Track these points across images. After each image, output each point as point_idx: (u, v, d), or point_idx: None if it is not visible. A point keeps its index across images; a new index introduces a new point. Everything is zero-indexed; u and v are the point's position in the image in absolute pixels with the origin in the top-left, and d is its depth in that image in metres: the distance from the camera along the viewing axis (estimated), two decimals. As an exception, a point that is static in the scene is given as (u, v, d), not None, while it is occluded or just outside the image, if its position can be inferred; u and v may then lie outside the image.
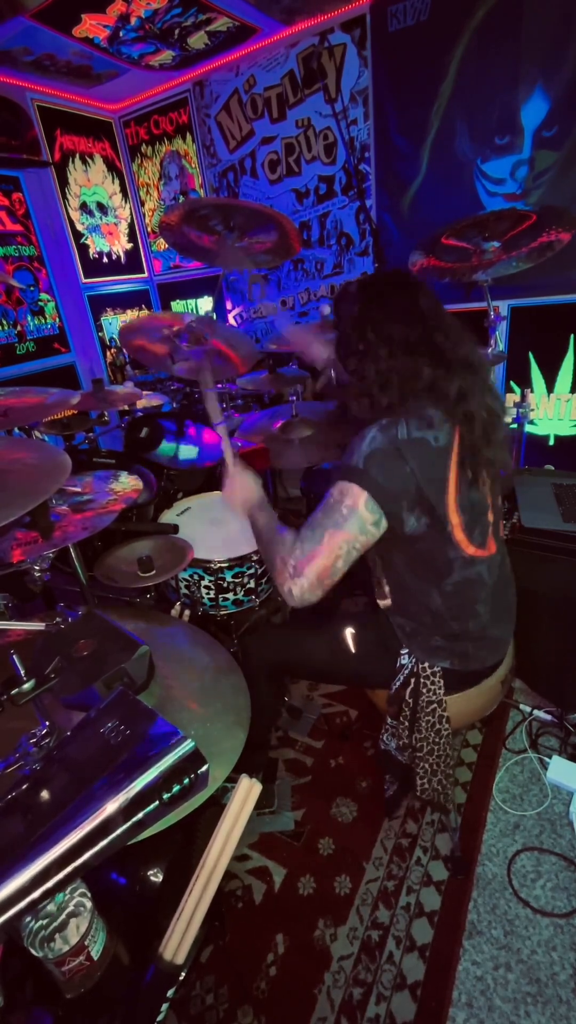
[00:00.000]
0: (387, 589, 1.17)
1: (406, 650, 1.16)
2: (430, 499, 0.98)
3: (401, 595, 1.14)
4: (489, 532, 1.08)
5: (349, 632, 1.24)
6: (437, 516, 1.00)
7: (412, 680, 1.15)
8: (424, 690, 1.14)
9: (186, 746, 0.55)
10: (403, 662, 1.17)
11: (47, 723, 0.70)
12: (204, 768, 0.57)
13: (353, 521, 0.97)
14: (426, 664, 1.13)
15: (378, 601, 1.21)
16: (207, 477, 2.11)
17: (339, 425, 1.14)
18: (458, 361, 1.02)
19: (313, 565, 0.98)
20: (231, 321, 3.64)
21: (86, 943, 0.62)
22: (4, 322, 3.04)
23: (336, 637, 1.24)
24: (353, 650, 1.23)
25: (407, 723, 1.18)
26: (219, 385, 1.60)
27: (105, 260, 3.59)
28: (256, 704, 0.97)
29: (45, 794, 0.53)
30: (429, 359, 1.00)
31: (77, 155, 3.32)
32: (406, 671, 1.16)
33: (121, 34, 2.53)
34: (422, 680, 1.14)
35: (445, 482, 0.99)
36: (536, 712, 1.72)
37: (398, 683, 1.17)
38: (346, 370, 1.08)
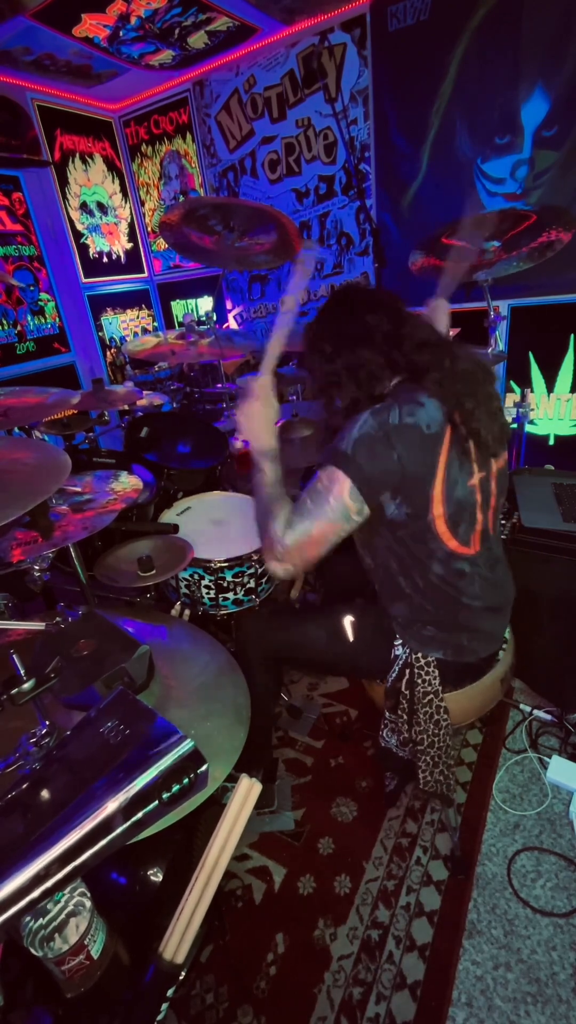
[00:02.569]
0: (374, 575, 1.18)
1: (400, 640, 1.17)
2: (414, 486, 0.99)
3: (387, 581, 1.15)
4: (476, 530, 1.08)
5: (348, 620, 1.24)
6: (418, 504, 1.00)
7: (407, 671, 1.15)
8: (420, 681, 1.14)
9: (186, 746, 0.55)
10: (397, 652, 1.17)
11: (47, 723, 0.70)
12: (204, 768, 0.57)
13: (338, 511, 0.99)
14: (419, 654, 1.14)
15: (372, 585, 1.22)
16: (207, 477, 2.11)
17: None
18: (414, 341, 1.05)
19: (301, 554, 1.03)
20: (231, 321, 3.64)
21: (86, 942, 0.62)
22: (4, 322, 3.04)
23: (335, 625, 1.25)
24: (351, 639, 1.23)
25: (405, 716, 1.18)
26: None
27: (105, 260, 3.59)
28: (253, 695, 0.97)
29: (45, 794, 0.53)
30: (371, 347, 1.04)
31: (77, 155, 3.32)
32: (400, 661, 1.16)
33: (121, 34, 2.54)
34: (416, 670, 1.14)
35: (433, 469, 0.99)
36: (536, 712, 1.72)
37: (393, 674, 1.18)
38: (319, 395, 1.15)
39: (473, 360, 1.08)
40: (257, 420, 1.13)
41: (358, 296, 1.12)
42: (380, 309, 1.07)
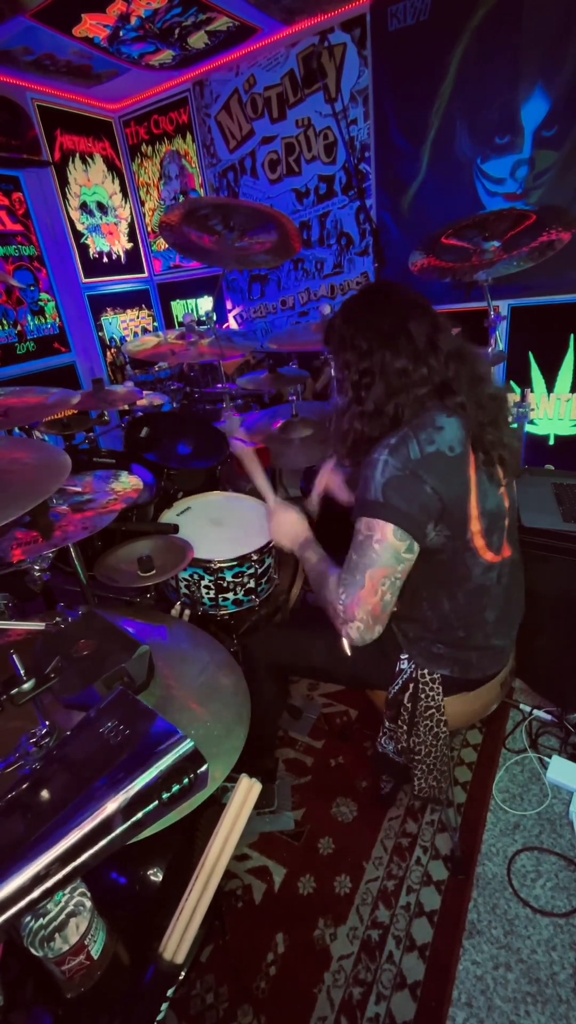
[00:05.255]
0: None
1: (406, 655, 1.16)
2: (453, 512, 0.97)
3: (411, 604, 1.13)
4: (504, 536, 1.07)
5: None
6: (458, 527, 0.99)
7: (411, 685, 1.15)
8: (423, 696, 1.14)
9: (186, 746, 0.55)
10: (403, 667, 1.16)
11: (47, 723, 0.70)
12: (204, 768, 0.57)
13: (387, 555, 0.97)
14: (425, 671, 1.13)
15: None
16: (207, 477, 2.11)
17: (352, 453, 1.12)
18: (445, 352, 1.01)
19: (362, 607, 0.99)
20: (231, 321, 3.64)
21: (86, 942, 0.62)
22: (4, 322, 3.04)
23: (334, 639, 1.24)
24: (349, 653, 1.23)
25: (405, 727, 1.18)
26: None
27: (105, 260, 3.59)
28: (259, 704, 0.97)
29: (45, 794, 0.53)
30: (409, 352, 0.99)
31: (77, 155, 3.32)
32: (405, 676, 1.15)
33: (121, 34, 2.53)
34: (421, 686, 1.13)
35: (467, 491, 0.98)
36: (536, 712, 1.72)
37: (397, 687, 1.17)
38: (339, 394, 1.09)
39: (492, 380, 1.07)
40: (285, 529, 1.25)
41: (399, 296, 1.05)
42: (423, 315, 1.02)
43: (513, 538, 1.12)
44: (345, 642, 1.22)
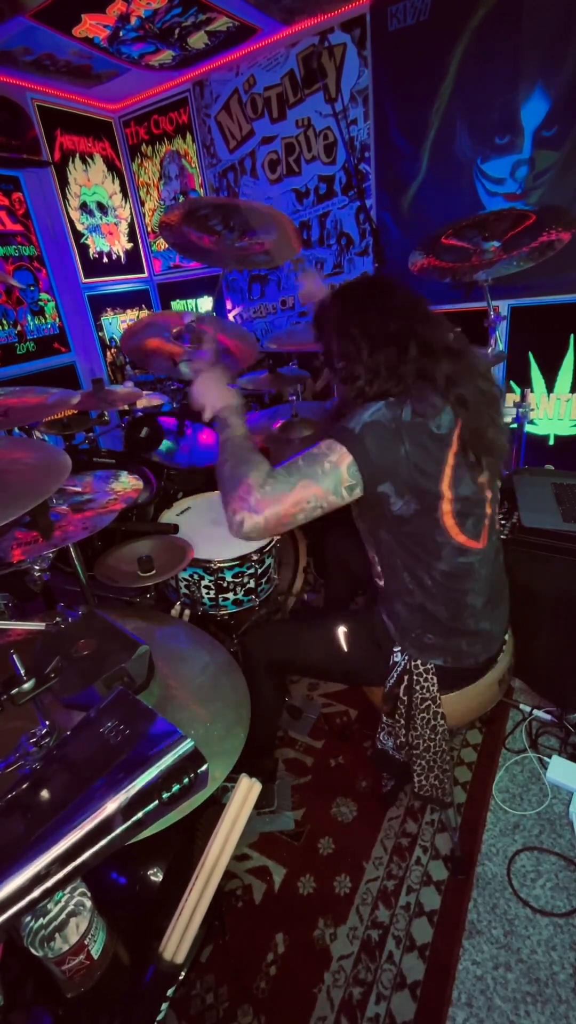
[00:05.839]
0: (380, 569, 1.17)
1: (399, 648, 1.17)
2: (422, 483, 0.98)
3: (393, 577, 1.14)
4: (484, 525, 1.08)
5: (341, 631, 1.25)
6: (427, 500, 1.00)
7: (405, 677, 1.15)
8: (418, 687, 1.14)
9: (185, 746, 0.55)
10: (396, 659, 1.17)
11: (47, 723, 0.70)
12: (204, 768, 0.57)
13: (331, 478, 0.95)
14: (419, 661, 1.14)
15: (375, 580, 1.22)
16: (207, 477, 2.11)
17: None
18: (441, 348, 1.02)
19: (275, 508, 0.94)
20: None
21: (86, 942, 0.62)
22: (4, 322, 3.04)
23: (330, 635, 1.25)
24: (345, 649, 1.24)
25: (403, 721, 1.18)
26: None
27: (105, 260, 3.59)
28: (259, 703, 0.97)
29: (45, 794, 0.53)
30: (411, 348, 1.00)
31: (77, 155, 3.32)
32: (399, 668, 1.16)
33: (121, 34, 2.53)
34: (415, 677, 1.14)
35: (441, 466, 0.98)
36: (536, 712, 1.72)
37: (392, 680, 1.18)
38: (336, 377, 1.09)
39: (488, 376, 1.07)
40: (213, 385, 1.15)
41: (398, 293, 1.06)
42: (421, 315, 1.04)
43: (493, 529, 1.13)
44: (341, 638, 1.23)
